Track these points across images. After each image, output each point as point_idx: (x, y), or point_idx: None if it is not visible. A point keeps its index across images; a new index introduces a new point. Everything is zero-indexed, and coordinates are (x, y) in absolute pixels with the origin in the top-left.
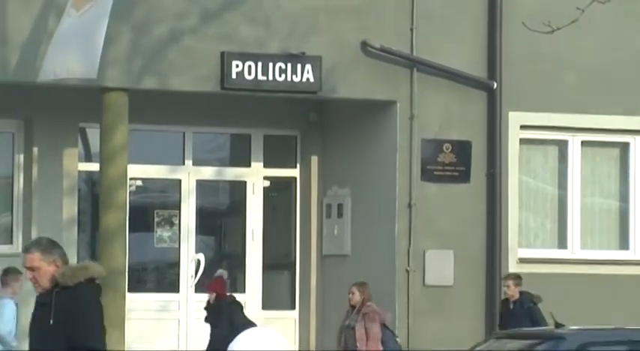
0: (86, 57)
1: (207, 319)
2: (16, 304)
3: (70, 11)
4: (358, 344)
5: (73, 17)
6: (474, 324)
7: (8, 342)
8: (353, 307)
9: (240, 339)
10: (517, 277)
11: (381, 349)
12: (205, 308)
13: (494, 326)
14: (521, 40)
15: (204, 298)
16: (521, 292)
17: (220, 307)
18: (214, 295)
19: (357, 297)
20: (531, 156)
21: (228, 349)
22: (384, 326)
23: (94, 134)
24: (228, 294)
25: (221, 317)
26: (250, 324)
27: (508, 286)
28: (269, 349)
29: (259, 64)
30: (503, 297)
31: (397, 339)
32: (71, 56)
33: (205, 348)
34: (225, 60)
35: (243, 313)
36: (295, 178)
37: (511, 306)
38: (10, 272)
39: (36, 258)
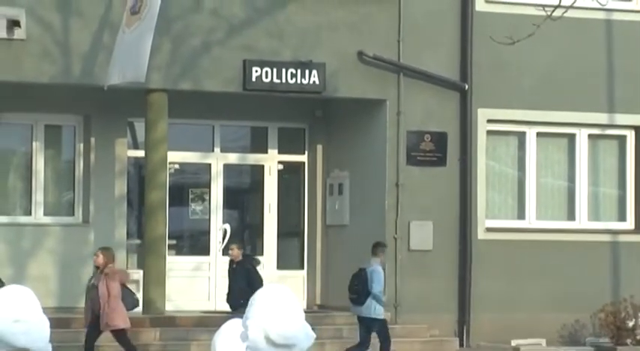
0: (136, 65)
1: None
2: (384, 269)
3: (124, 29)
4: (101, 301)
5: (127, 34)
6: (449, 281)
7: (381, 298)
8: (97, 267)
9: (261, 292)
10: None
11: (121, 304)
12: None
13: (466, 282)
14: (488, 50)
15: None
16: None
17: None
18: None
19: (100, 259)
20: (496, 145)
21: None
22: (123, 285)
23: (140, 127)
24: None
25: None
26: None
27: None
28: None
29: (274, 69)
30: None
31: (135, 296)
32: (125, 65)
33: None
34: (246, 66)
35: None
36: (304, 163)
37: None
38: (380, 245)
39: None
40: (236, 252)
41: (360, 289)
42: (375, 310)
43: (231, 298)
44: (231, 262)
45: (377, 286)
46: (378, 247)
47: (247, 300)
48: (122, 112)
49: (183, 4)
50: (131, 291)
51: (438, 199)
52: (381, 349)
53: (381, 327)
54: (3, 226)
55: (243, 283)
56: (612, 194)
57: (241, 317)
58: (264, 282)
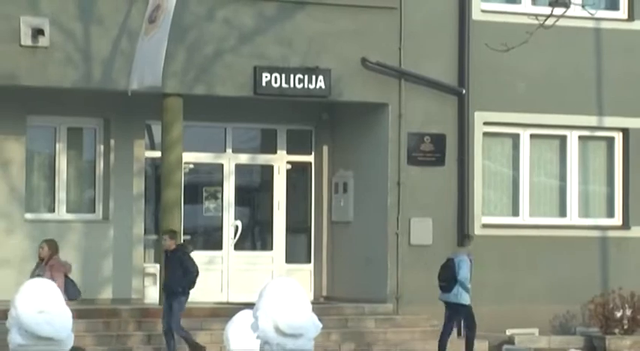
0: (153, 71)
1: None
2: (470, 260)
3: (143, 37)
4: None
5: (145, 41)
6: None
7: (466, 285)
8: (42, 259)
9: (270, 285)
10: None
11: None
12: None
13: None
14: (484, 57)
15: (242, 254)
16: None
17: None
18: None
19: (45, 251)
20: (491, 145)
21: (261, 292)
22: (66, 276)
23: (157, 129)
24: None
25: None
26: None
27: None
28: (293, 293)
29: (283, 75)
30: None
31: (77, 287)
32: (143, 71)
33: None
34: (257, 72)
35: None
36: (311, 163)
37: None
38: (467, 237)
39: None
40: (169, 242)
41: (448, 277)
42: (461, 296)
43: (167, 286)
44: (166, 251)
45: (463, 274)
46: (465, 239)
47: (184, 287)
48: (140, 115)
49: (198, 14)
50: (74, 282)
51: (437, 197)
52: (467, 334)
53: (467, 313)
54: (29, 223)
55: (179, 271)
56: (601, 192)
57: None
58: (198, 268)
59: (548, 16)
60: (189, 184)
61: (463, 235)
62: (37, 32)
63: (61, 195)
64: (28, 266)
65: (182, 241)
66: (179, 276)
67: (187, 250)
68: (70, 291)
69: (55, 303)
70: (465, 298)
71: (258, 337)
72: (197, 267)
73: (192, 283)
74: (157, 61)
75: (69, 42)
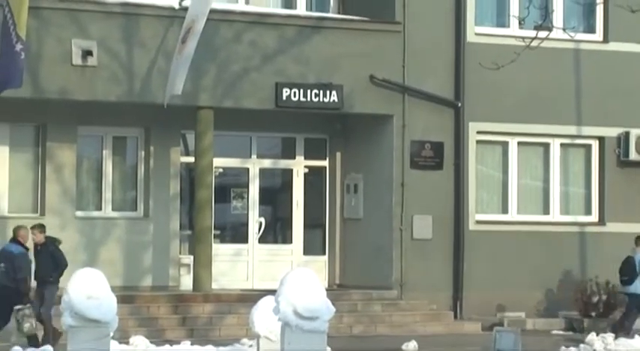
0: (176, 82)
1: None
2: None
3: (176, 56)
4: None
5: (177, 58)
6: (446, 264)
7: None
8: (37, 244)
9: (290, 275)
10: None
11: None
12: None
13: (459, 266)
14: (477, 74)
15: (265, 246)
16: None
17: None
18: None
19: (39, 236)
20: (484, 152)
21: (282, 281)
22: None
23: (191, 138)
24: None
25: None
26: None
27: None
28: (309, 281)
29: (301, 90)
30: None
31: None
32: (172, 83)
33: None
34: (278, 88)
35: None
36: (326, 167)
37: None
38: None
39: None
40: (39, 236)
41: (629, 271)
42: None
43: (38, 276)
44: (36, 245)
45: None
46: (638, 240)
47: (54, 277)
48: (176, 125)
49: (227, 37)
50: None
51: (436, 197)
52: (626, 319)
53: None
54: (79, 220)
55: (50, 263)
56: (580, 193)
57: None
58: (67, 260)
59: (533, 38)
60: (219, 185)
61: (637, 237)
62: (87, 53)
63: (107, 195)
64: (78, 258)
65: (52, 236)
66: (50, 267)
67: (57, 243)
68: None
69: (102, 290)
70: None
71: (279, 320)
72: (66, 260)
73: (62, 274)
74: (181, 74)
75: (114, 61)
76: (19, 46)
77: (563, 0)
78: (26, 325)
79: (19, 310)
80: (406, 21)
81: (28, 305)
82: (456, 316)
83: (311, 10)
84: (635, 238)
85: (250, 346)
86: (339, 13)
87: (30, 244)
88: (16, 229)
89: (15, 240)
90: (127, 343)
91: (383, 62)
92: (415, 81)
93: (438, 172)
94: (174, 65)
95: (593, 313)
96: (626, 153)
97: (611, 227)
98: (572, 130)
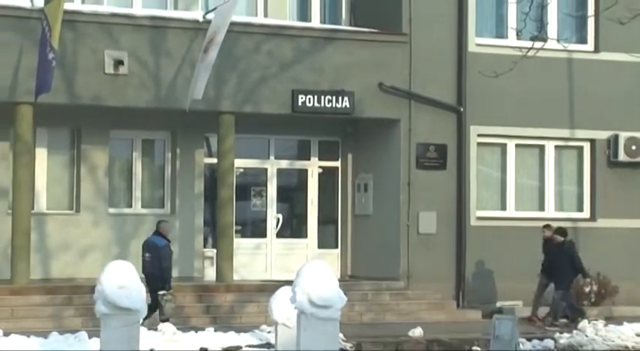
0: (197, 87)
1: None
2: None
3: (199, 64)
4: None
5: (199, 65)
6: (449, 257)
7: None
8: None
9: (305, 267)
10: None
11: None
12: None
13: (462, 258)
14: (478, 81)
15: (282, 241)
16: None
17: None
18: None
19: None
20: (484, 153)
21: (298, 272)
22: None
23: (213, 140)
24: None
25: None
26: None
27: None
28: (323, 272)
29: (315, 96)
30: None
31: None
32: (193, 88)
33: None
34: (294, 94)
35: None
36: (338, 168)
37: None
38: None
39: None
40: None
41: None
42: None
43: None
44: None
45: None
46: None
47: None
48: (200, 129)
49: (247, 47)
50: None
51: (440, 195)
52: None
53: None
54: (111, 216)
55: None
56: (573, 191)
57: None
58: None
59: (529, 49)
60: (240, 184)
61: None
62: (118, 63)
63: (137, 193)
64: (111, 251)
65: None
66: None
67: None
68: None
69: (132, 280)
70: None
71: (295, 308)
72: None
73: None
74: (201, 80)
75: (143, 70)
76: (51, 55)
77: (558, 13)
78: (168, 307)
79: (163, 295)
80: (412, 32)
81: (171, 291)
82: (458, 305)
83: (324, 22)
84: None
85: (269, 332)
86: (350, 25)
87: (172, 237)
88: (158, 223)
89: (157, 233)
90: (156, 329)
91: (391, 70)
92: (420, 88)
93: (442, 172)
94: (196, 72)
95: (585, 302)
96: (616, 154)
97: (602, 223)
98: (565, 133)
